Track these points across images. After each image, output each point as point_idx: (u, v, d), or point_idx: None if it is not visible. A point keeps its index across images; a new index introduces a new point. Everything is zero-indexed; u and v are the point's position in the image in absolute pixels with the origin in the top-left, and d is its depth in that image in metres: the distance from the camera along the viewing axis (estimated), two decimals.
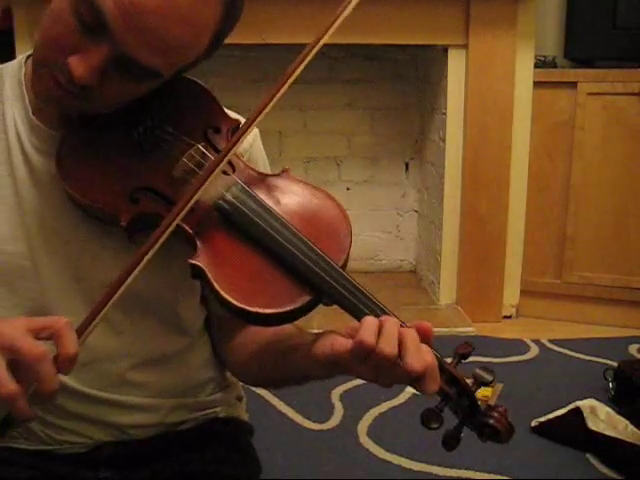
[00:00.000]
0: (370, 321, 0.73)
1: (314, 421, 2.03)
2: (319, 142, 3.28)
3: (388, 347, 0.71)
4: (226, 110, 0.92)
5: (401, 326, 0.74)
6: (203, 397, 1.00)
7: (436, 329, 0.76)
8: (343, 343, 0.73)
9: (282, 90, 0.79)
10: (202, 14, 0.75)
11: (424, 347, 0.73)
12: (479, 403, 0.76)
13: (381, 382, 0.75)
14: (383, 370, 0.73)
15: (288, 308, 0.76)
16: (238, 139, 0.80)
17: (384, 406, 2.12)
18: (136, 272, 0.74)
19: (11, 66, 0.91)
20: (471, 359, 0.79)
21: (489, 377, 0.77)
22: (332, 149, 3.30)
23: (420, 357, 0.72)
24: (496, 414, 0.75)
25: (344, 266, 0.79)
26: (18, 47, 2.49)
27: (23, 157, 0.86)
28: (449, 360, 0.78)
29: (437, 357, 0.75)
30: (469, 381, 0.77)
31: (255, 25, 2.54)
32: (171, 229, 0.76)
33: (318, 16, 2.55)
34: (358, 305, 0.75)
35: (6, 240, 0.86)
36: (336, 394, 2.18)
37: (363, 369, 0.73)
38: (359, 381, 2.18)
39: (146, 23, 0.72)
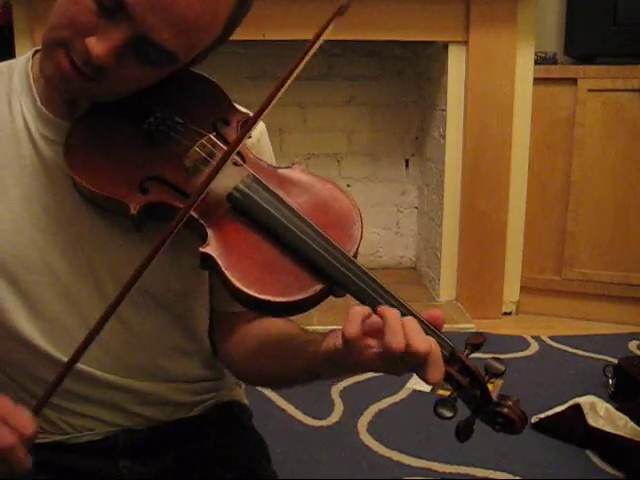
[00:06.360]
0: (356, 312, 0.72)
1: (314, 417, 2.03)
2: (319, 139, 3.27)
3: (395, 342, 0.70)
4: (235, 105, 0.92)
5: (403, 315, 0.73)
6: (207, 383, 1.02)
7: None
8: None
9: (292, 76, 0.77)
10: None
11: (425, 336, 0.72)
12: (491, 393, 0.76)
13: (391, 372, 0.74)
14: (388, 360, 0.72)
15: (299, 297, 0.75)
16: (249, 128, 0.80)
17: (384, 402, 2.12)
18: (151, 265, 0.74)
19: (19, 60, 0.92)
20: (471, 355, 0.78)
21: (501, 367, 0.76)
22: (332, 146, 3.30)
23: (424, 338, 0.71)
24: (509, 403, 0.75)
25: (354, 256, 0.78)
26: (17, 43, 2.47)
27: (32, 145, 0.86)
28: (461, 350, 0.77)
29: (451, 346, 0.75)
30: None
31: (255, 21, 2.52)
32: (185, 219, 0.76)
33: (318, 12, 2.53)
34: (372, 294, 0.74)
35: (7, 232, 0.86)
36: (336, 390, 2.18)
37: (370, 361, 0.72)
38: (359, 377, 2.20)
39: (167, 1, 0.73)
